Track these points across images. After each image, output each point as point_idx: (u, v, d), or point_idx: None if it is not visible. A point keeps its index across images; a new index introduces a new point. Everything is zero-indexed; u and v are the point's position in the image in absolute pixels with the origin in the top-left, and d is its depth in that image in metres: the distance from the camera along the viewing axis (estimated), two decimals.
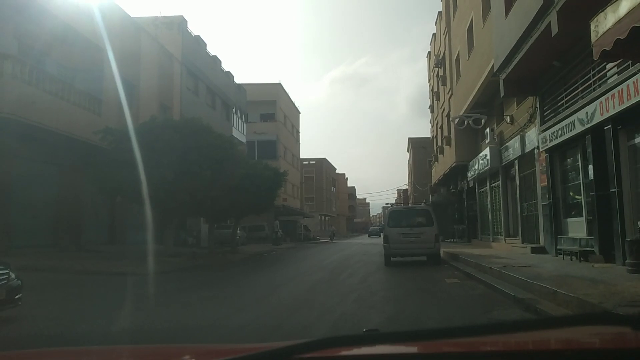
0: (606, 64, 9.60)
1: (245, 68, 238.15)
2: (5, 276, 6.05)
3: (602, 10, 5.38)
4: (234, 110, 34.33)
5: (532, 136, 14.54)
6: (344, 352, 1.19)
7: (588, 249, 11.15)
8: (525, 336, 1.27)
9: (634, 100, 8.55)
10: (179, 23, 26.48)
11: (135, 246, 17.06)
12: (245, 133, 37.04)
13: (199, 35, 29.01)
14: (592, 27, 5.19)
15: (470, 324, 1.24)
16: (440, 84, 29.68)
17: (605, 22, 4.85)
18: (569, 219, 12.76)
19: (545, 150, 13.29)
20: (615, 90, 9.16)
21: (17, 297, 6.14)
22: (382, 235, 17.53)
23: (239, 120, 35.80)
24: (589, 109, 10.35)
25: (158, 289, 10.03)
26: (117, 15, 19.41)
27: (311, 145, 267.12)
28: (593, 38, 5.22)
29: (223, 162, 16.59)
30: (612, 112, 9.35)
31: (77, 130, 15.46)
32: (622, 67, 9.07)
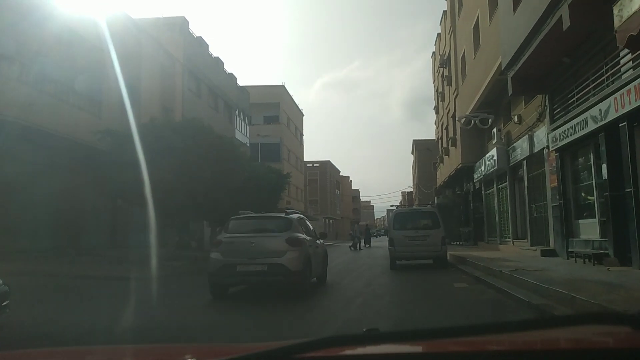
0: (620, 60, 9.25)
1: (241, 70, 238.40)
2: None
3: None
4: (236, 112, 34.06)
5: (541, 135, 14.18)
6: (344, 352, 1.19)
7: (602, 251, 10.76)
8: (525, 336, 1.27)
9: None
10: (181, 24, 26.26)
11: (137, 250, 16.80)
12: (248, 135, 36.76)
13: (201, 37, 28.77)
14: (616, 11, 4.81)
15: (470, 323, 0.99)
16: (445, 84, 29.31)
17: (631, 5, 4.47)
18: (580, 221, 12.37)
19: (555, 149, 12.92)
20: (631, 86, 8.77)
21: (4, 304, 5.84)
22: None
23: (242, 123, 35.52)
24: (602, 105, 9.98)
25: (158, 292, 9.82)
26: (118, 16, 19.22)
27: (313, 147, 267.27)
28: (616, 23, 4.84)
29: (224, 163, 16.29)
30: (627, 108, 8.96)
31: (77, 132, 15.27)
32: (638, 62, 8.70)
